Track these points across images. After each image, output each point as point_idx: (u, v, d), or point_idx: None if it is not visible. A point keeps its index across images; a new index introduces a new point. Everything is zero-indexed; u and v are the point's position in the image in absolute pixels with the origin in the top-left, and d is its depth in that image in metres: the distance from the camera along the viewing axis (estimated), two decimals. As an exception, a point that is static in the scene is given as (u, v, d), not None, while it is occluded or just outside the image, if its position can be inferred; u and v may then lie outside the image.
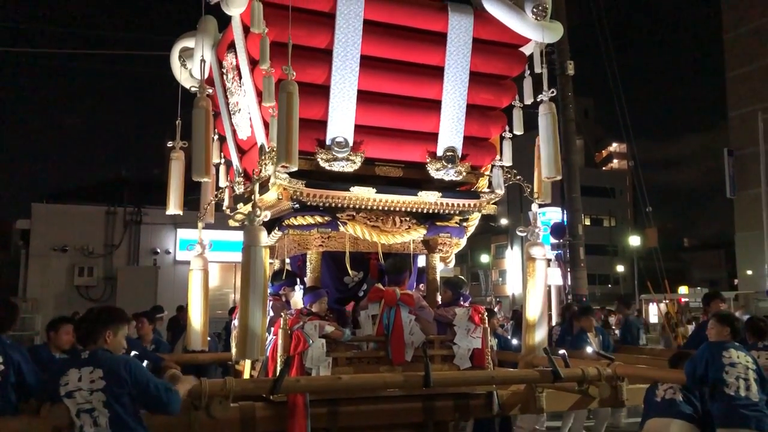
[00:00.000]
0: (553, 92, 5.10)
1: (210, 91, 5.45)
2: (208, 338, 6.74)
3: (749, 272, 37.67)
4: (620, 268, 46.65)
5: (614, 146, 67.13)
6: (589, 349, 6.58)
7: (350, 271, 5.18)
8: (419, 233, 5.26)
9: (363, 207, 5.03)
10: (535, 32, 5.05)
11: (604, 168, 64.44)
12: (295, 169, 4.17)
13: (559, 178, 5.08)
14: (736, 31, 41.82)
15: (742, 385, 4.43)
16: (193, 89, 5.26)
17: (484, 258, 48.22)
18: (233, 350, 5.61)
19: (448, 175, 5.20)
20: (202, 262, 5.33)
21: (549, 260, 15.81)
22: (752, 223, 33.47)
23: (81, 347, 3.47)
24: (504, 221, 40.24)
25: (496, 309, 17.54)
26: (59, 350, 5.03)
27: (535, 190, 5.21)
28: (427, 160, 5.16)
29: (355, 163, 4.87)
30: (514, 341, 6.98)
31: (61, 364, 3.59)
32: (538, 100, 5.11)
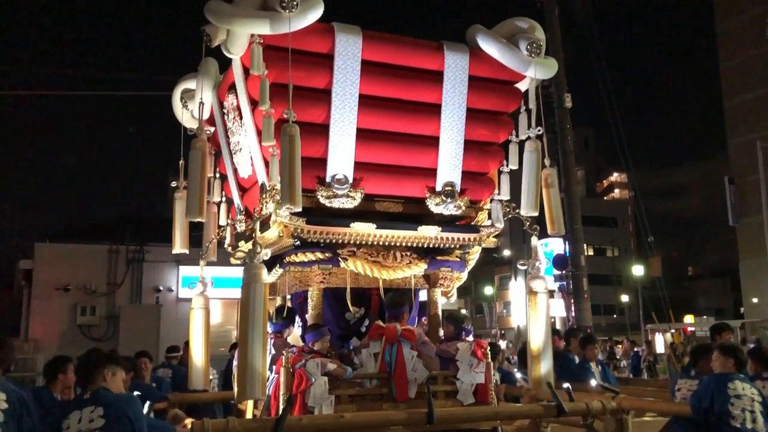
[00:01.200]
0: (540, 130, 5.19)
1: (211, 131, 5.53)
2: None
3: (755, 300, 37.46)
4: (625, 298, 46.40)
5: (615, 176, 67.37)
6: (593, 382, 6.53)
7: (351, 308, 5.19)
8: (420, 268, 5.28)
9: (363, 243, 5.06)
10: (529, 69, 5.13)
11: (605, 198, 64.58)
12: (299, 210, 4.22)
13: (535, 214, 5.16)
14: (732, 61, 42.29)
15: (749, 417, 4.40)
16: (192, 131, 5.33)
17: (488, 290, 48.08)
18: (234, 389, 5.59)
19: (448, 209, 5.24)
20: (204, 300, 5.34)
21: (552, 292, 15.81)
22: (756, 250, 33.40)
23: (80, 390, 3.48)
24: (507, 252, 40.23)
25: (502, 343, 17.43)
26: (63, 391, 5.02)
27: (548, 222, 5.25)
28: (427, 195, 5.21)
29: (355, 199, 4.91)
30: (518, 375, 6.94)
31: (63, 407, 3.59)
32: (525, 137, 5.21)
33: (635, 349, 15.88)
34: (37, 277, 15.36)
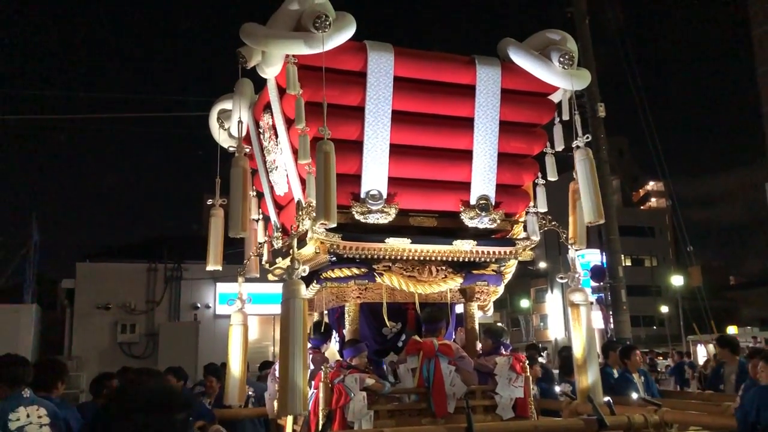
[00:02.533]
0: (588, 138, 5.13)
1: (247, 150, 5.63)
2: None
3: (801, 309, 36.34)
4: (665, 309, 45.47)
5: (651, 185, 66.30)
6: (634, 395, 6.43)
7: (388, 322, 5.20)
8: (456, 282, 5.28)
9: (399, 258, 5.08)
10: (562, 81, 5.13)
11: (642, 207, 63.55)
12: (334, 226, 4.27)
13: (602, 222, 5.06)
14: (768, 66, 41.43)
15: None
16: (231, 149, 5.43)
17: (524, 303, 47.57)
18: (268, 405, 5.65)
19: (483, 223, 5.24)
20: (242, 317, 5.40)
21: (591, 303, 15.58)
22: (800, 258, 32.51)
23: None
24: (543, 265, 39.80)
25: (542, 356, 17.20)
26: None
27: (570, 235, 5.21)
28: (461, 209, 5.21)
29: (389, 214, 4.95)
30: (557, 389, 6.85)
31: None
32: (573, 146, 5.13)
33: (683, 360, 15.52)
34: (79, 296, 15.67)
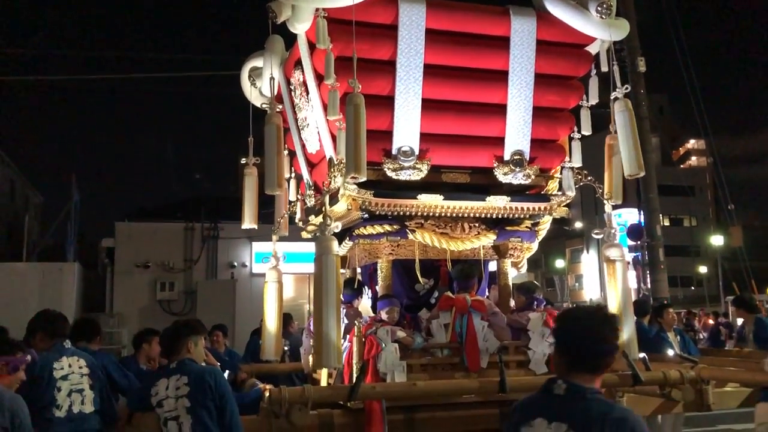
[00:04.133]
0: (627, 88, 4.98)
1: (280, 107, 5.60)
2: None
3: None
4: (703, 269, 44.76)
5: (692, 143, 64.73)
6: (670, 352, 6.37)
7: (420, 279, 5.21)
8: (489, 239, 5.24)
9: (431, 214, 5.06)
10: (600, 31, 4.96)
11: (682, 166, 62.14)
12: (364, 179, 4.23)
13: (642, 174, 4.94)
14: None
15: None
16: (263, 106, 5.41)
17: (559, 263, 47.30)
18: (303, 359, 5.75)
19: (517, 178, 5.16)
20: (277, 274, 5.45)
21: (627, 262, 15.40)
22: None
23: (166, 360, 3.67)
24: (578, 224, 39.40)
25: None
26: (148, 362, 5.31)
27: (606, 190, 5.10)
28: (495, 165, 5.14)
29: (421, 171, 4.90)
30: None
31: (152, 375, 3.80)
32: (612, 97, 4.99)
33: (719, 320, 15.30)
34: (119, 255, 16.03)
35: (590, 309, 2.24)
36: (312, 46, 4.78)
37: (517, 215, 5.26)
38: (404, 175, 4.89)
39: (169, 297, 16.07)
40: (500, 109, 5.07)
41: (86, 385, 3.97)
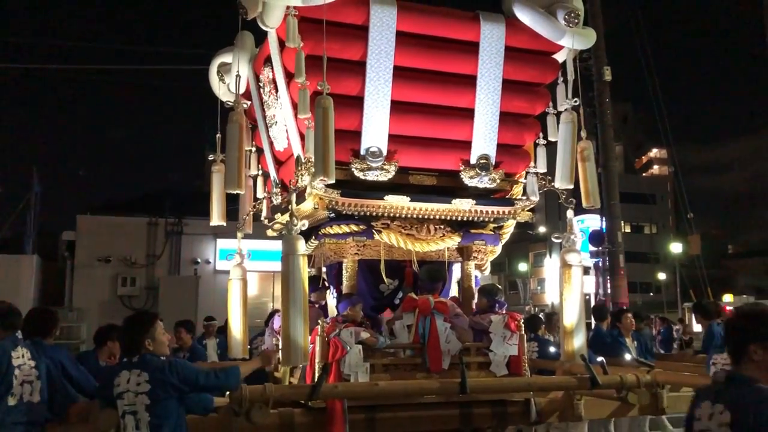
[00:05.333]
0: (576, 101, 5.12)
1: (247, 104, 5.58)
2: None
3: (798, 279, 36.52)
4: (662, 276, 45.70)
5: (654, 152, 66.04)
6: (627, 356, 6.51)
7: (385, 279, 5.23)
8: (454, 241, 5.29)
9: (397, 215, 5.08)
10: (567, 39, 5.05)
11: (644, 174, 63.39)
12: (332, 182, 4.26)
13: (570, 187, 5.11)
14: (779, 32, 40.79)
15: None
16: (230, 104, 5.39)
17: (522, 266, 47.79)
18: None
19: (482, 182, 5.23)
20: (241, 271, 5.43)
21: (587, 269, 15.67)
22: (800, 228, 32.56)
23: (126, 359, 3.63)
24: (542, 229, 39.87)
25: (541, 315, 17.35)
26: (109, 358, 5.23)
27: (583, 194, 5.20)
28: (461, 168, 5.20)
29: (389, 172, 4.93)
30: (552, 349, 6.93)
31: (115, 367, 3.76)
32: (561, 108, 5.13)
33: (672, 326, 15.67)
34: (80, 249, 15.78)
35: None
36: (282, 44, 4.77)
37: (481, 218, 5.32)
38: (372, 176, 4.91)
39: (130, 292, 15.87)
40: (468, 113, 5.13)
41: (34, 376, 3.94)
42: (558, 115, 5.29)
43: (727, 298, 30.66)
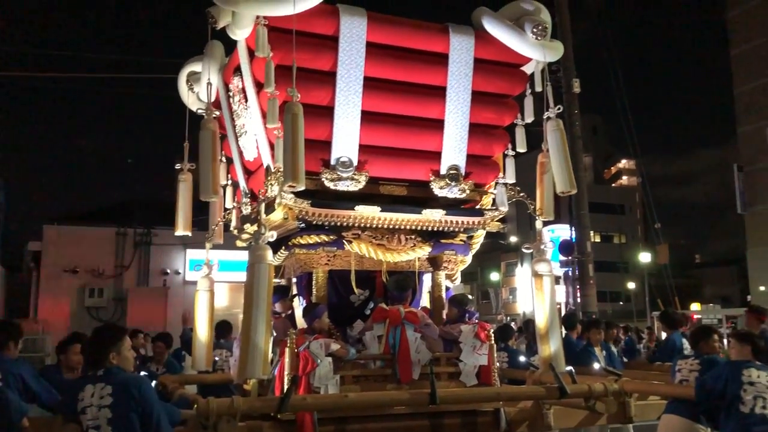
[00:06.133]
0: (559, 108, 5.16)
1: (217, 113, 5.54)
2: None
3: (762, 288, 37.28)
4: (631, 285, 46.34)
5: (623, 163, 67.00)
6: (596, 365, 6.56)
7: (356, 290, 5.22)
8: (424, 251, 5.30)
9: (368, 225, 5.08)
10: (535, 51, 5.12)
11: (613, 185, 64.29)
12: (301, 188, 4.24)
13: (574, 191, 5.11)
14: (742, 48, 41.87)
15: (759, 403, 4.40)
16: (200, 112, 5.34)
17: (494, 276, 48.09)
18: (233, 370, 5.67)
19: (452, 192, 5.25)
20: (209, 282, 5.37)
21: (557, 278, 15.83)
22: (764, 238, 33.29)
23: (91, 372, 3.56)
24: (513, 239, 40.20)
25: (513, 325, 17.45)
26: (71, 371, 5.11)
27: (538, 206, 5.25)
28: (431, 179, 5.22)
29: (359, 182, 4.93)
30: (522, 358, 6.97)
31: (78, 381, 3.69)
32: (545, 117, 5.16)
33: (632, 336, 15.90)
34: (46, 259, 15.49)
35: None
36: (252, 54, 4.75)
37: (451, 228, 5.34)
38: (342, 186, 4.91)
39: (97, 304, 15.61)
40: (438, 124, 5.16)
41: None
42: (526, 126, 5.35)
43: (695, 306, 31.15)
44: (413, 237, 5.30)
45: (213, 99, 5.14)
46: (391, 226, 5.14)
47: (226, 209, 5.93)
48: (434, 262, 5.50)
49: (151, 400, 3.47)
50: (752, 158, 35.49)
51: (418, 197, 5.28)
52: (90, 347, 3.67)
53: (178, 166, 5.58)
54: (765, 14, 40.19)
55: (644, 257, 36.90)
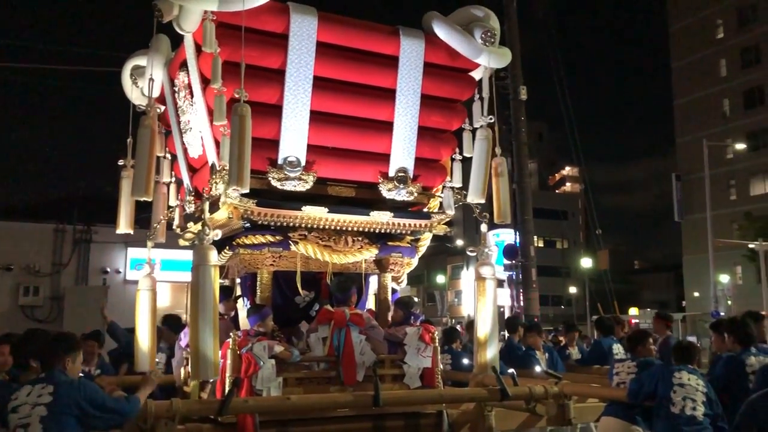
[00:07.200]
0: (491, 118, 5.26)
1: (161, 109, 5.41)
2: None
3: (696, 294, 38.71)
4: (573, 290, 47.43)
5: (567, 170, 68.54)
6: (537, 368, 6.68)
7: (301, 291, 5.18)
8: (371, 253, 5.30)
9: (315, 226, 5.04)
10: (483, 57, 5.18)
11: (557, 191, 65.71)
12: (246, 191, 4.19)
13: (482, 201, 5.25)
14: (682, 61, 43.42)
15: (689, 404, 4.55)
16: (142, 108, 5.22)
17: (440, 279, 48.54)
18: (175, 372, 5.56)
19: (400, 195, 5.26)
20: (150, 282, 5.23)
21: (501, 282, 16.07)
22: (699, 246, 34.51)
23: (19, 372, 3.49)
24: (460, 242, 40.65)
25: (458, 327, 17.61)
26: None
27: (495, 210, 5.31)
28: (379, 181, 5.21)
29: (307, 182, 4.89)
30: (465, 360, 7.03)
31: (9, 385, 3.61)
32: (477, 125, 5.26)
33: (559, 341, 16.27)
34: (-22, 256, 14.86)
35: None
36: (199, 49, 4.66)
37: (399, 231, 5.35)
38: (289, 186, 4.86)
39: (32, 302, 15.03)
40: (387, 126, 5.16)
41: None
42: (474, 131, 5.40)
43: (633, 311, 32.12)
44: (360, 239, 5.29)
45: (157, 94, 5.03)
46: (338, 228, 5.12)
47: (169, 207, 5.79)
48: (381, 265, 5.50)
49: (96, 396, 3.47)
50: (690, 168, 36.82)
51: (366, 199, 5.27)
52: (47, 348, 3.62)
53: (121, 163, 5.44)
54: (705, 30, 41.80)
55: (585, 262, 37.85)
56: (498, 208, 5.31)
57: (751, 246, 24.35)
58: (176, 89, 5.32)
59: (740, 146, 35.60)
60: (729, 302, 28.25)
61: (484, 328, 5.01)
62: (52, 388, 3.33)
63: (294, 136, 4.80)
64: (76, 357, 3.58)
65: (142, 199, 4.68)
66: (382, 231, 5.27)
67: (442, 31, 5.17)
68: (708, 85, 41.11)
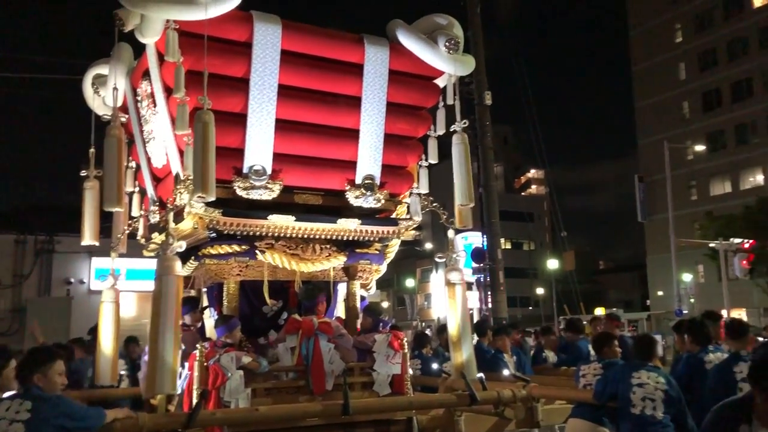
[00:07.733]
0: (465, 123, 5.28)
1: (125, 118, 5.34)
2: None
3: (660, 293, 39.44)
4: (540, 291, 47.90)
5: (532, 172, 69.28)
6: (506, 372, 6.72)
7: (269, 301, 5.14)
8: (339, 260, 5.29)
9: (282, 235, 5.02)
10: (447, 65, 5.21)
11: (523, 193, 66.39)
12: (211, 199, 4.15)
13: (472, 205, 5.24)
14: (643, 64, 44.29)
15: (649, 405, 4.62)
16: (105, 117, 5.14)
17: (410, 282, 48.61)
18: (142, 385, 5.46)
19: (367, 202, 5.27)
20: (114, 293, 5.14)
21: (470, 284, 16.14)
22: (662, 246, 35.18)
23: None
24: (428, 246, 40.79)
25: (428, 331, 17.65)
26: None
27: (456, 217, 5.34)
28: (346, 188, 5.21)
29: (273, 191, 4.86)
30: (434, 366, 7.05)
31: None
32: (451, 130, 5.28)
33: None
34: (-65, 268, 14.48)
35: None
36: (161, 58, 4.61)
37: (367, 238, 5.35)
38: (255, 195, 4.82)
39: (-8, 315, 14.69)
40: (353, 134, 5.16)
41: None
42: (439, 138, 5.44)
43: (599, 311, 32.50)
44: (328, 246, 5.28)
45: (120, 104, 4.96)
46: (305, 236, 5.10)
47: (132, 217, 5.71)
48: (349, 272, 5.49)
49: (72, 405, 3.46)
50: (652, 169, 37.51)
51: (334, 206, 5.26)
52: (21, 364, 3.58)
53: (83, 173, 5.35)
54: (664, 34, 42.69)
55: (552, 264, 38.31)
56: (459, 214, 5.33)
57: (712, 245, 24.86)
58: (139, 98, 5.25)
59: (700, 148, 36.38)
60: (692, 300, 28.81)
61: (456, 332, 5.03)
62: (30, 405, 3.27)
63: (259, 145, 4.78)
64: (47, 371, 3.47)
65: (113, 209, 4.61)
66: (350, 238, 5.28)
67: (406, 40, 5.19)
68: (668, 88, 42.00)
